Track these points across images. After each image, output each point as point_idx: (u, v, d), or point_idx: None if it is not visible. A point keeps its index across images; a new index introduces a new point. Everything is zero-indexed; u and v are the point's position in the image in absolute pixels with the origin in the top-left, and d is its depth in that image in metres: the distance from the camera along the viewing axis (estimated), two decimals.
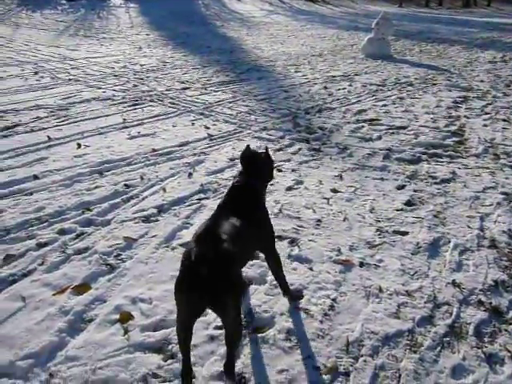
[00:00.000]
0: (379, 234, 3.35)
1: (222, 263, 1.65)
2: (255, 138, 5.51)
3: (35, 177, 4.27)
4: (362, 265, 2.95)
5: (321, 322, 2.41)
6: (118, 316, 2.42)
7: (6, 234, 3.28)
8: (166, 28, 17.33)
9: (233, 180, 2.29)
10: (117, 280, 2.75)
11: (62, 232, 3.30)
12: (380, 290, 2.69)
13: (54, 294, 2.60)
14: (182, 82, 8.36)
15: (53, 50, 12.01)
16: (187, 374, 1.91)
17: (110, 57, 11.12)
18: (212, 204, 3.68)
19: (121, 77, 8.74)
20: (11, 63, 9.90)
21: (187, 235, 3.23)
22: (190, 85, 8.21)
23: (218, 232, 1.77)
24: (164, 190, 4.02)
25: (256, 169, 2.28)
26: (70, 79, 8.46)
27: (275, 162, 3.04)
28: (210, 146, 5.20)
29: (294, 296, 2.56)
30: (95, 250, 3.05)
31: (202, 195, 3.94)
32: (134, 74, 8.98)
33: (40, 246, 3.12)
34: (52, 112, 6.38)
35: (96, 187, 4.06)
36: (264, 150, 2.40)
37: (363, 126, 6.05)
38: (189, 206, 3.73)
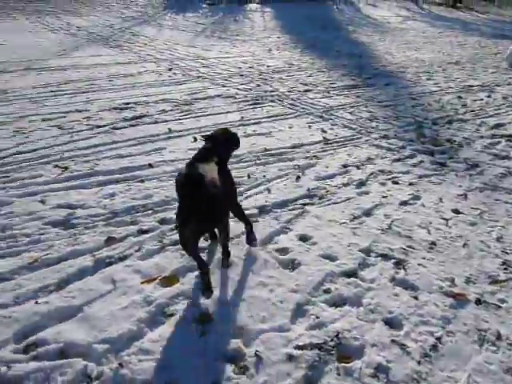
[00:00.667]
0: (505, 269, 2.83)
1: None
2: (373, 145, 5.13)
3: (150, 165, 4.42)
4: (478, 302, 2.50)
5: (419, 362, 2.06)
6: (198, 315, 2.31)
7: (113, 217, 3.39)
8: (298, 32, 17.36)
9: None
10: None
11: (163, 221, 3.32)
12: (498, 336, 2.24)
13: (142, 282, 2.59)
14: (305, 84, 8.22)
15: (189, 49, 12.67)
16: (207, 271, 2.53)
17: (239, 57, 11.38)
18: (316, 211, 3.45)
19: (246, 76, 8.86)
20: (150, 60, 10.61)
21: (285, 241, 3.04)
22: (313, 87, 8.03)
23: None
24: (269, 190, 3.88)
25: (224, 141, 2.85)
26: (198, 76, 8.79)
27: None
28: (323, 150, 4.96)
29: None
30: None
31: (307, 200, 3.73)
32: (260, 75, 9.04)
33: (140, 232, 3.17)
34: (177, 106, 6.64)
35: None
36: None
37: (499, 142, 5.33)
38: (291, 210, 3.54)
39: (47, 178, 4.10)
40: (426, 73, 9.71)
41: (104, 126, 5.65)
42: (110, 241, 3.03)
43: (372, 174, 4.32)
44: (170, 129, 5.57)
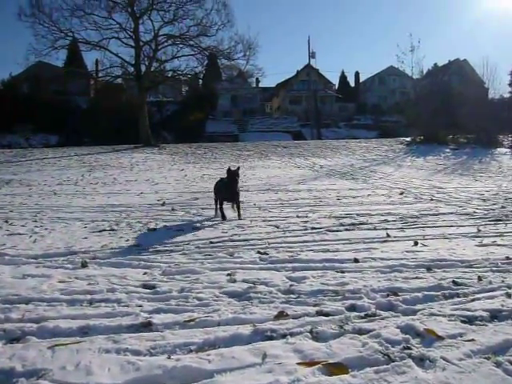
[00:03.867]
0: None
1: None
2: None
3: (355, 260, 3.80)
4: None
5: None
6: None
7: (296, 297, 2.83)
8: None
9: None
10: (388, 376, 1.77)
11: (352, 308, 2.58)
12: None
13: (298, 363, 1.86)
14: None
15: (424, 182, 12.08)
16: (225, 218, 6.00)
17: (482, 188, 10.18)
18: None
19: (488, 200, 7.67)
20: (382, 188, 10.38)
21: None
22: None
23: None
24: (509, 295, 2.74)
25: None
26: (431, 199, 8.02)
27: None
28: None
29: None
30: (378, 334, 2.16)
31: None
32: (505, 200, 7.71)
33: (320, 313, 2.49)
34: (401, 218, 5.98)
35: (416, 278, 3.20)
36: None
37: None
38: None
39: (244, 259, 3.89)
40: None
41: (319, 228, 5.37)
42: (281, 316, 2.44)
43: None
44: (388, 234, 4.91)
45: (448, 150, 23.18)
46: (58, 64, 29.69)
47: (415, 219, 5.90)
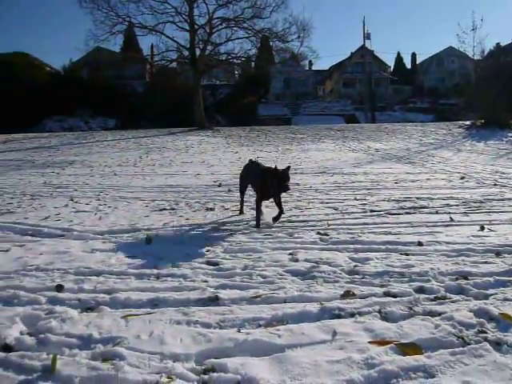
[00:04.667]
0: None
1: None
2: None
3: (419, 243, 3.70)
4: None
5: None
6: None
7: (363, 277, 2.80)
8: None
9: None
10: (465, 359, 1.71)
11: (421, 290, 2.52)
12: None
13: (370, 342, 1.84)
14: None
15: (486, 167, 11.53)
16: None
17: None
18: None
19: None
20: (441, 172, 10.01)
21: None
22: None
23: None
24: None
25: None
26: (495, 184, 7.64)
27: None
28: None
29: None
30: (451, 317, 2.10)
31: None
32: None
33: (387, 294, 2.45)
34: (464, 203, 5.73)
35: (485, 262, 3.07)
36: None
37: None
38: None
39: (305, 239, 3.88)
40: None
41: (379, 211, 5.26)
42: (348, 295, 2.42)
43: None
44: (451, 218, 4.74)
45: (510, 135, 21.98)
46: (116, 49, 30.56)
47: (479, 204, 5.65)
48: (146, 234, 4.18)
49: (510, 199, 6.02)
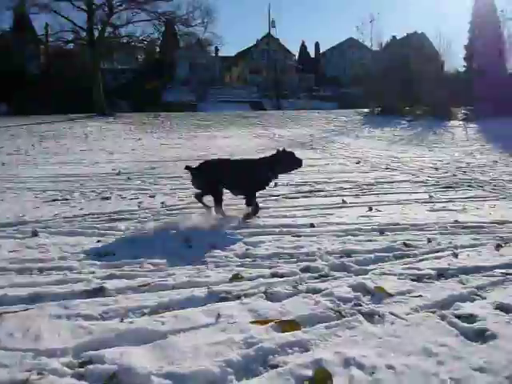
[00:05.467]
0: None
1: None
2: None
3: (311, 225, 3.85)
4: None
5: None
6: (311, 372, 1.47)
7: (251, 260, 2.84)
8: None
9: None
10: (338, 331, 1.81)
11: (306, 269, 2.63)
12: None
13: (252, 322, 1.88)
14: None
15: (381, 152, 12.32)
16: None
17: (435, 158, 10.50)
18: None
19: (440, 169, 7.91)
20: (340, 157, 10.51)
21: (472, 308, 2.01)
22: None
23: None
24: (455, 255, 2.87)
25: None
26: (387, 168, 8.20)
27: None
28: None
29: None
30: (331, 293, 2.21)
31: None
32: (456, 168, 7.97)
33: (275, 275, 2.52)
34: (357, 186, 6.07)
35: (369, 241, 3.28)
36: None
37: None
38: (487, 276, 2.46)
39: (201, 225, 3.85)
40: None
41: (277, 195, 5.38)
42: (236, 278, 2.45)
43: None
44: (343, 200, 4.99)
45: (404, 122, 23.65)
46: (5, 28, 28.01)
47: (371, 186, 6.02)
48: (32, 227, 3.89)
49: (398, 181, 6.48)
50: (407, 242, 3.20)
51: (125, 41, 26.45)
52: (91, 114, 23.21)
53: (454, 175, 7.05)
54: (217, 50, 50.80)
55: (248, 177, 4.17)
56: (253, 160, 4.58)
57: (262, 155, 4.62)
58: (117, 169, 7.97)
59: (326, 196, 5.40)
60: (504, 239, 3.25)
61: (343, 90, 48.78)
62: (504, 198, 5.09)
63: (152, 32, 26.06)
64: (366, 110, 27.05)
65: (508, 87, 26.03)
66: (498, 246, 3.04)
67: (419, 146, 14.39)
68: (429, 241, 3.22)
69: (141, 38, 25.93)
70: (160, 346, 1.68)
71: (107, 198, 5.30)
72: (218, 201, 4.07)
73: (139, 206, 4.78)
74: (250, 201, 4.11)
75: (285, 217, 4.23)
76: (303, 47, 58.66)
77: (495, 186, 5.92)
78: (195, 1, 25.65)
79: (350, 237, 3.44)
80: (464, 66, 30.63)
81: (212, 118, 23.05)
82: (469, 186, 5.93)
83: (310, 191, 5.69)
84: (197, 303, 2.12)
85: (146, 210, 4.55)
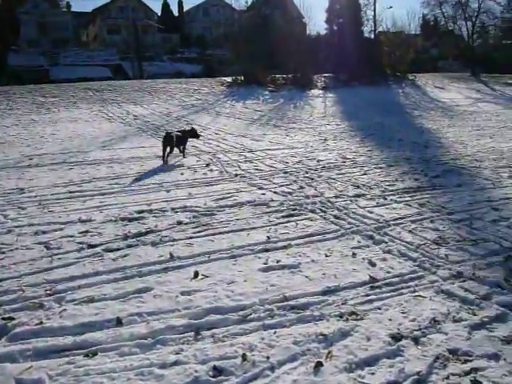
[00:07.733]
0: None
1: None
2: (441, 293, 3.60)
3: (118, 321, 3.22)
4: None
5: None
6: None
7: None
8: (359, 118, 16.44)
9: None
10: None
11: None
12: None
13: None
14: (357, 187, 6.86)
15: (239, 139, 11.97)
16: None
17: (290, 149, 10.46)
18: None
19: (290, 175, 7.73)
20: (192, 153, 9.90)
21: None
22: (367, 190, 6.66)
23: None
24: None
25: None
26: (236, 175, 7.80)
27: None
28: (368, 301, 3.46)
29: None
30: None
31: None
32: (306, 173, 7.87)
33: None
34: (195, 217, 5.51)
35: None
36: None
37: None
38: None
39: None
40: (507, 168, 8.07)
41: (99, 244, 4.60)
42: None
43: (438, 358, 2.77)
44: (171, 254, 4.41)
45: (267, 93, 23.66)
46: None
47: (210, 218, 5.49)
48: None
49: (241, 204, 6.02)
50: (217, 364, 2.73)
51: None
52: None
53: (301, 187, 6.81)
54: (69, 5, 45.88)
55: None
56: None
57: None
58: None
59: (154, 244, 4.74)
60: (329, 338, 2.94)
61: (209, 51, 47.67)
62: (342, 236, 4.83)
63: None
64: (228, 79, 26.58)
65: (363, 51, 27.32)
66: (318, 365, 2.69)
67: (277, 128, 14.40)
68: (243, 358, 2.77)
69: None
70: None
71: None
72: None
73: None
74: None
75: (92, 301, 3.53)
76: (165, 5, 55.79)
77: (338, 209, 5.72)
78: None
79: None
80: (326, 29, 31.27)
81: (60, 92, 20.68)
82: (311, 211, 5.64)
83: (136, 235, 4.99)
84: None
85: None
